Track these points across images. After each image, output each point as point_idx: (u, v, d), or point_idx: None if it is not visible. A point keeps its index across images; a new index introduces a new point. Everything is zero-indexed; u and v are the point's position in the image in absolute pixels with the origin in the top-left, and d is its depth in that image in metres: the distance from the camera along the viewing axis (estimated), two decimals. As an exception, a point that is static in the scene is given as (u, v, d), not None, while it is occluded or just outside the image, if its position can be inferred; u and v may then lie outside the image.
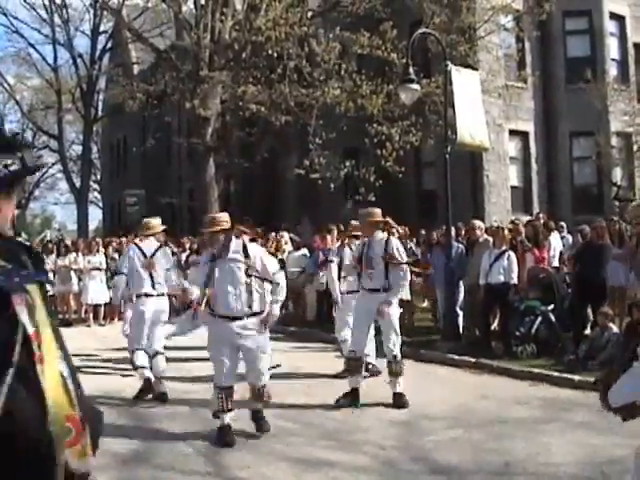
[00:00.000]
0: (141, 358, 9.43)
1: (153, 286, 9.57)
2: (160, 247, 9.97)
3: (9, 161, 2.08)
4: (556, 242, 14.39)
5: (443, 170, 13.98)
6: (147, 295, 9.52)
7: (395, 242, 9.14)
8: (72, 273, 19.12)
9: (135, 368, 9.46)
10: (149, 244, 9.80)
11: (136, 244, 9.94)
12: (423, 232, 16.92)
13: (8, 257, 2.03)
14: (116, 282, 10.01)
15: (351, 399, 8.75)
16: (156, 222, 10.10)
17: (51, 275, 19.51)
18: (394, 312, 8.91)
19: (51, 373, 1.99)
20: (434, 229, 16.19)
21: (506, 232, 13.19)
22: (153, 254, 9.68)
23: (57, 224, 73.94)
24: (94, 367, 11.65)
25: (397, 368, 8.84)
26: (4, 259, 2.01)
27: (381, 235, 9.07)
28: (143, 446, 7.33)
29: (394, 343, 8.87)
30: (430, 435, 7.58)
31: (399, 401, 8.72)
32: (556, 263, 13.94)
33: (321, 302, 16.36)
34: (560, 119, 24.80)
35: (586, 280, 11.75)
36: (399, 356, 8.89)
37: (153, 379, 9.33)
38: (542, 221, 15.35)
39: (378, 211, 9.25)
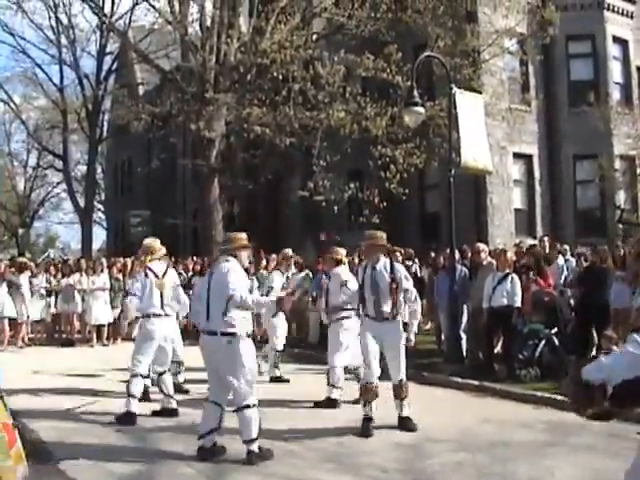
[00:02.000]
0: (136, 387, 9.34)
1: (162, 307, 9.63)
2: (168, 267, 10.16)
3: None
4: (562, 265, 14.38)
5: (447, 192, 14.03)
6: (156, 315, 9.57)
7: (400, 268, 9.00)
8: (76, 293, 19.11)
9: (128, 394, 9.32)
10: (159, 265, 9.91)
11: (148, 267, 9.89)
12: (432, 255, 16.90)
13: None
14: (129, 303, 10.01)
15: (363, 429, 8.56)
16: (159, 245, 10.14)
17: (55, 295, 19.59)
18: (402, 336, 8.78)
19: None
20: (437, 251, 16.20)
21: (510, 255, 13.17)
22: (164, 274, 9.80)
23: (61, 244, 74.11)
24: (97, 388, 11.63)
25: (403, 391, 8.69)
26: None
27: (384, 259, 8.80)
28: (145, 467, 7.32)
29: (400, 367, 8.71)
30: (433, 458, 7.55)
31: (407, 425, 8.63)
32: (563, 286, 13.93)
33: (324, 324, 16.31)
34: (564, 142, 24.87)
35: (589, 303, 11.75)
36: (404, 379, 8.73)
37: (136, 411, 9.25)
38: (547, 244, 15.32)
39: (382, 234, 8.98)
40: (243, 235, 7.94)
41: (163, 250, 10.18)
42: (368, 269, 8.78)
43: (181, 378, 11.26)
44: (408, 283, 8.78)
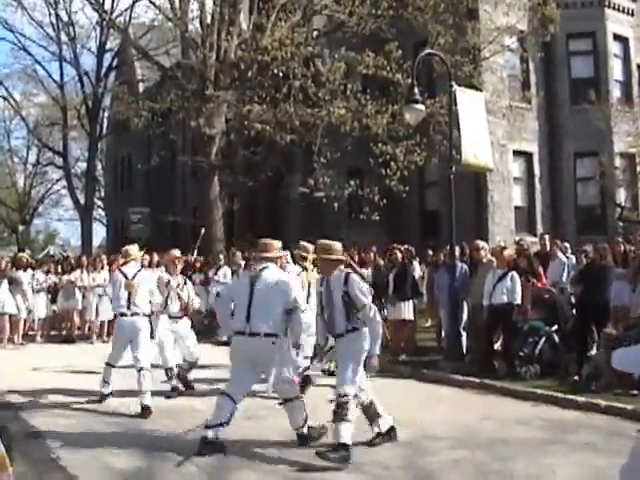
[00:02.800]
0: (107, 373, 10.39)
1: (129, 307, 10.06)
2: (140, 270, 10.55)
3: None
4: (565, 262, 14.35)
5: (447, 190, 14.02)
6: (122, 314, 10.12)
7: (355, 282, 7.74)
8: (76, 290, 19.12)
9: (103, 380, 10.35)
10: (131, 268, 10.39)
11: (119, 269, 10.56)
12: (430, 252, 16.94)
13: None
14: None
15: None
16: (135, 250, 10.76)
17: (55, 292, 19.59)
18: (352, 350, 7.69)
19: None
20: (437, 249, 16.21)
21: (510, 252, 13.17)
22: (134, 276, 10.23)
23: (61, 240, 74.11)
24: (97, 384, 11.62)
25: (339, 412, 7.36)
26: None
27: (339, 273, 7.83)
28: (146, 463, 7.32)
29: (341, 379, 7.59)
30: (433, 456, 7.56)
31: (327, 455, 7.17)
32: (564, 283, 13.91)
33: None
34: (564, 140, 24.87)
35: (589, 301, 11.74)
36: (345, 396, 7.36)
37: (106, 395, 10.36)
38: (547, 242, 15.30)
39: (337, 246, 7.99)
40: (279, 243, 8.41)
41: (138, 255, 10.78)
42: (323, 282, 7.94)
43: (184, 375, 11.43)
44: (364, 299, 7.63)
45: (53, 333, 19.67)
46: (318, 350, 8.56)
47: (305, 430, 7.90)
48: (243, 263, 17.80)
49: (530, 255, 14.18)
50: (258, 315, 7.64)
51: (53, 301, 19.66)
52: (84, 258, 20.75)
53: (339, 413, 7.31)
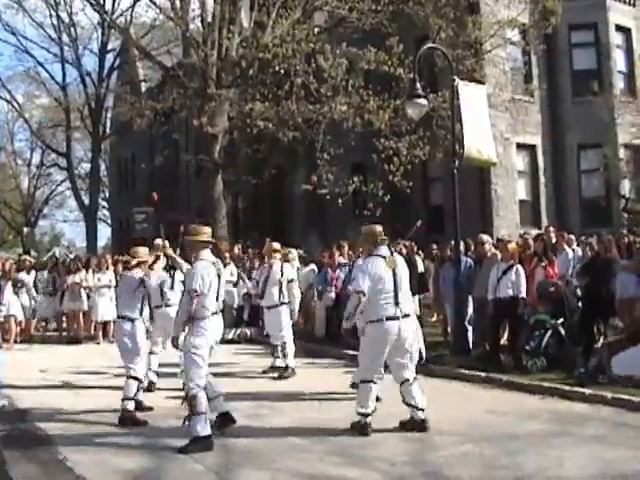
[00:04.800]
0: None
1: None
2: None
3: None
4: (570, 255, 14.33)
5: (451, 184, 13.99)
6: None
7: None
8: (82, 290, 19.15)
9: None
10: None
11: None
12: (435, 247, 16.90)
13: None
14: None
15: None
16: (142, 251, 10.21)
17: (61, 293, 19.61)
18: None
19: None
20: (442, 244, 16.19)
21: (514, 245, 13.14)
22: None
23: (66, 241, 74.12)
24: (103, 384, 11.65)
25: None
26: None
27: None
28: (153, 463, 7.32)
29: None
30: (441, 450, 7.54)
31: (187, 449, 7.56)
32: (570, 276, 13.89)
33: (330, 318, 16.36)
34: (567, 132, 24.83)
35: (595, 293, 11.72)
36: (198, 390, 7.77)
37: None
38: (553, 234, 15.28)
39: (207, 230, 8.51)
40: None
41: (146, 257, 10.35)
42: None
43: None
44: None
45: (59, 334, 19.69)
46: None
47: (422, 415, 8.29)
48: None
49: (547, 240, 14.16)
50: (404, 298, 8.29)
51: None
52: (90, 259, 20.78)
53: (190, 407, 7.64)
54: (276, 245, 13.36)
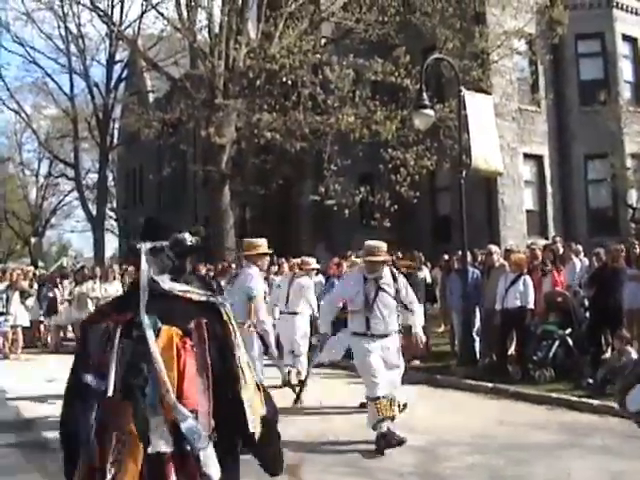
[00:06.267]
0: None
1: None
2: None
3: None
4: (578, 265, 14.30)
5: (458, 195, 13.99)
6: None
7: None
8: (89, 300, 19.17)
9: None
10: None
11: None
12: (446, 257, 16.81)
13: (207, 288, 3.14)
14: None
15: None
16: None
17: (68, 303, 19.66)
18: None
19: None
20: (449, 254, 16.16)
21: (522, 255, 13.13)
22: None
23: (73, 252, 74.24)
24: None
25: None
26: (206, 289, 3.12)
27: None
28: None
29: None
30: (448, 461, 7.52)
31: None
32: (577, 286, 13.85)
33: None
34: (574, 142, 24.78)
35: (602, 303, 11.69)
36: None
37: None
38: (560, 244, 15.26)
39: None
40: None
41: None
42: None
43: None
44: None
45: (65, 343, 19.71)
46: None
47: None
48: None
49: (557, 249, 14.17)
50: None
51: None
52: (97, 269, 20.82)
53: None
54: (311, 260, 13.36)
